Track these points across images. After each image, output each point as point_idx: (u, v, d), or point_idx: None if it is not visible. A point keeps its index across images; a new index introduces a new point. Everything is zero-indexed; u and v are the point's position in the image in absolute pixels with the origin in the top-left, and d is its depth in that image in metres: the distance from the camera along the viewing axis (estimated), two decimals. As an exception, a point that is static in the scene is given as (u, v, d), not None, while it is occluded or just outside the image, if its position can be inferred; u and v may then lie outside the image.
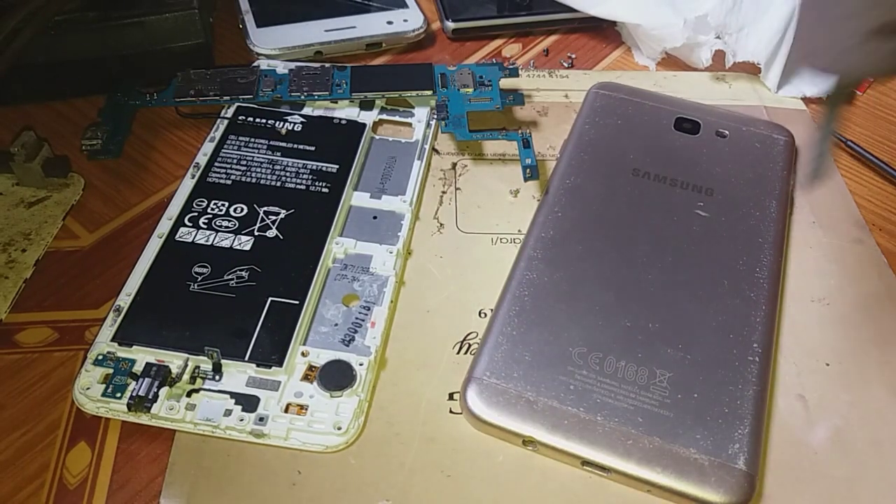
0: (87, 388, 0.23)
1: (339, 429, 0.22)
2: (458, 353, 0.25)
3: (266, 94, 0.32)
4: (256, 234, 0.27)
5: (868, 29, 0.19)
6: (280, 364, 0.23)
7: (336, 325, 0.25)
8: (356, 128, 0.31)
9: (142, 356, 0.24)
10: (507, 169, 0.31)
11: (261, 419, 0.22)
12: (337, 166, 0.30)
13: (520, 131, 0.31)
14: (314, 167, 0.29)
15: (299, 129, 0.31)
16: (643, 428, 0.22)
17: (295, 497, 0.21)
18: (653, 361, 0.23)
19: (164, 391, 0.23)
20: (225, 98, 0.31)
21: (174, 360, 0.23)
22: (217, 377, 0.23)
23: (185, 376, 0.23)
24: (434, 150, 0.32)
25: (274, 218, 0.28)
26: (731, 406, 0.23)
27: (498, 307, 0.25)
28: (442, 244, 0.28)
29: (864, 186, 0.31)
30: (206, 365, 0.23)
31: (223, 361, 0.23)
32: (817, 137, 0.21)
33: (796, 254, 0.28)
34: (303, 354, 0.24)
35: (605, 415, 0.22)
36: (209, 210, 0.28)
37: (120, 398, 0.22)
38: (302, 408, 0.23)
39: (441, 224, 0.29)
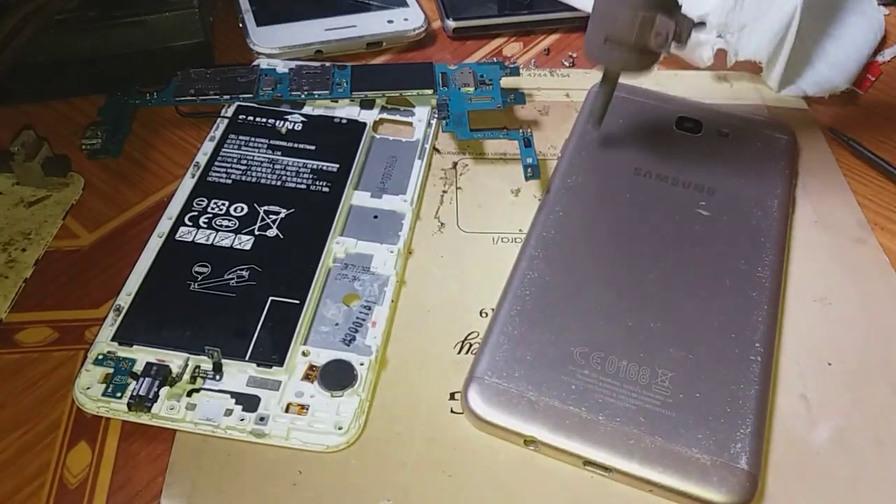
0: (88, 388, 0.23)
1: (340, 428, 0.22)
2: (459, 352, 0.25)
3: (266, 93, 0.32)
4: (257, 233, 0.27)
5: (604, 36, 0.25)
6: (281, 364, 0.23)
7: (337, 324, 0.25)
8: (357, 127, 0.31)
9: (142, 356, 0.23)
10: (509, 168, 0.31)
11: (261, 419, 0.22)
12: (337, 165, 0.30)
13: (521, 130, 0.31)
14: (315, 166, 0.29)
15: (300, 128, 0.31)
16: (645, 428, 0.22)
17: (296, 497, 0.21)
18: (655, 361, 0.23)
19: (164, 391, 0.23)
20: (225, 97, 0.31)
21: (174, 360, 0.23)
22: (217, 377, 0.23)
23: (186, 376, 0.23)
24: (435, 149, 0.32)
25: (274, 217, 0.27)
26: (732, 405, 0.22)
27: (499, 307, 0.25)
28: (443, 244, 0.28)
29: (866, 186, 0.31)
30: (206, 364, 0.23)
31: (224, 361, 0.23)
32: (597, 94, 0.27)
33: (798, 253, 0.28)
34: (303, 354, 0.24)
35: (607, 414, 0.22)
36: (209, 209, 0.28)
37: (120, 398, 0.22)
38: (303, 407, 0.23)
39: (442, 223, 0.29)
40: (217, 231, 0.27)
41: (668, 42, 0.24)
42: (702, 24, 0.25)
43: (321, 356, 0.24)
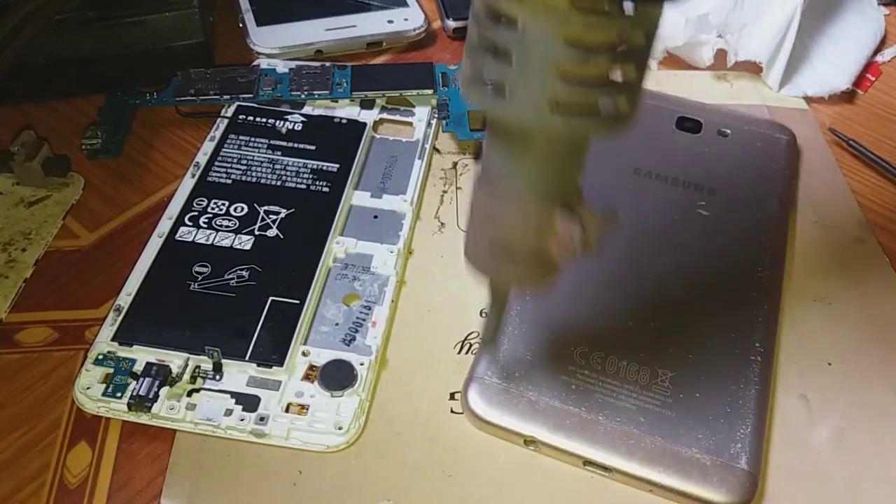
0: (88, 388, 0.23)
1: (340, 428, 0.22)
2: (460, 352, 0.25)
3: (266, 93, 0.32)
4: (257, 233, 0.27)
5: (489, 244, 0.18)
6: (281, 364, 0.23)
7: (337, 324, 0.25)
8: (357, 127, 0.31)
9: (142, 356, 0.23)
10: (508, 168, 0.31)
11: (261, 419, 0.22)
12: (337, 165, 0.30)
13: (521, 130, 0.31)
14: (315, 166, 0.29)
15: (300, 128, 0.31)
16: (645, 427, 0.22)
17: (296, 497, 0.21)
18: (655, 361, 0.23)
19: (164, 391, 0.23)
20: (225, 97, 0.31)
21: (174, 360, 0.23)
22: (217, 377, 0.23)
23: (186, 376, 0.23)
24: (435, 149, 0.32)
25: (274, 217, 0.27)
26: (733, 406, 0.22)
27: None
28: (443, 243, 0.28)
29: (866, 186, 0.31)
30: (206, 364, 0.23)
31: (224, 361, 0.23)
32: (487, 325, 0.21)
33: (798, 253, 0.28)
34: (303, 354, 0.24)
35: (607, 414, 0.22)
36: (209, 209, 0.28)
37: (120, 398, 0.22)
38: (303, 407, 0.23)
39: (442, 223, 0.29)
40: (217, 231, 0.27)
41: (573, 249, 0.17)
42: (611, 221, 0.18)
43: (321, 356, 0.24)
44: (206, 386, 0.23)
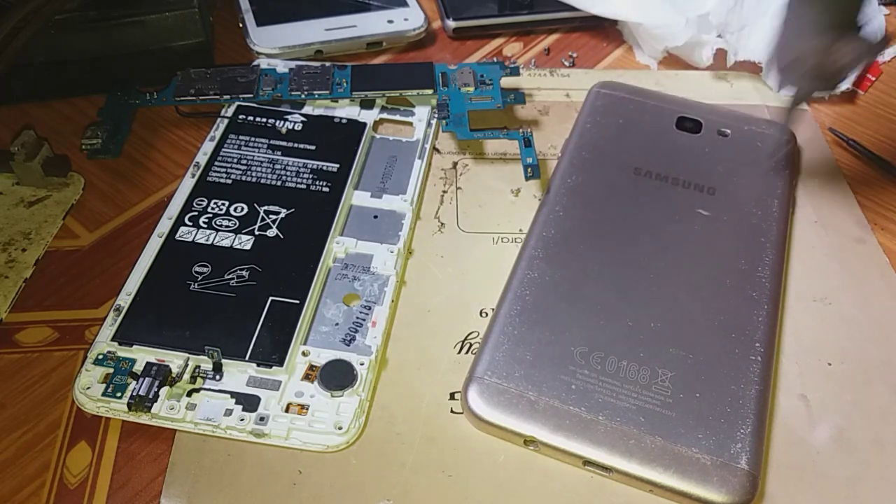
0: (88, 388, 0.23)
1: (340, 428, 0.22)
2: (460, 352, 0.25)
3: (266, 93, 0.32)
4: (257, 233, 0.27)
5: (788, 62, 0.26)
6: (281, 364, 0.23)
7: (337, 324, 0.25)
8: (357, 127, 0.31)
9: (142, 356, 0.23)
10: (509, 168, 0.31)
11: (261, 419, 0.22)
12: (337, 165, 0.30)
13: (521, 130, 0.31)
14: (315, 166, 0.29)
15: (300, 128, 0.31)
16: (645, 427, 0.22)
17: (296, 497, 0.21)
18: (655, 361, 0.23)
19: (164, 391, 0.23)
20: (225, 97, 0.31)
21: (174, 360, 0.23)
22: (217, 377, 0.23)
23: (186, 376, 0.23)
24: (435, 149, 0.32)
25: (274, 217, 0.27)
26: (733, 405, 0.22)
27: (499, 306, 0.25)
28: (443, 243, 0.28)
29: (866, 186, 0.31)
30: (206, 364, 0.23)
31: (224, 361, 0.23)
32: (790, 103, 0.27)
33: (798, 253, 0.28)
34: (303, 354, 0.24)
35: (607, 414, 0.22)
36: (209, 209, 0.28)
37: (120, 398, 0.22)
38: (303, 407, 0.23)
39: (442, 223, 0.29)
40: (217, 231, 0.27)
41: (855, 64, 0.24)
42: (887, 40, 0.25)
43: (321, 356, 0.24)
44: (206, 386, 0.23)
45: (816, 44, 0.24)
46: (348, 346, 0.24)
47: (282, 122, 0.31)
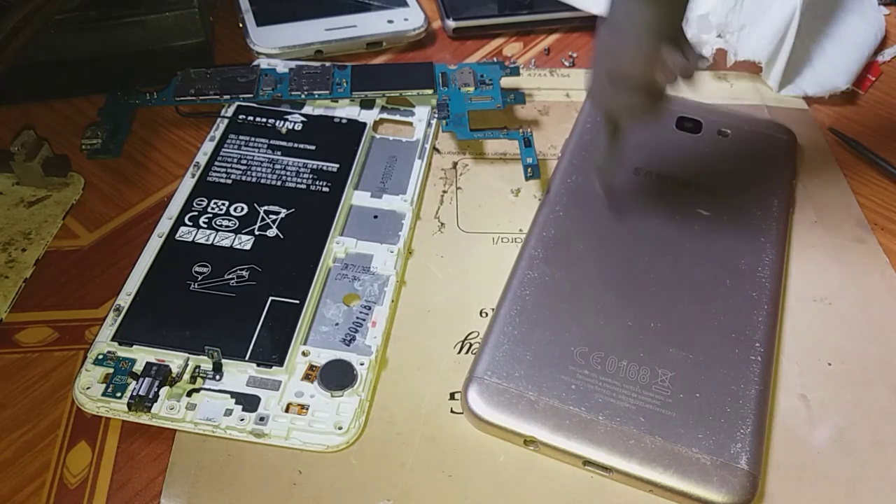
0: (88, 388, 0.23)
1: (340, 428, 0.22)
2: (460, 352, 0.25)
3: (266, 93, 0.32)
4: (257, 233, 0.27)
5: (607, 73, 0.22)
6: (281, 364, 0.23)
7: (337, 324, 0.25)
8: (357, 127, 0.31)
9: (142, 356, 0.23)
10: (509, 168, 0.31)
11: (261, 419, 0.22)
12: (337, 165, 0.30)
13: (521, 130, 0.31)
14: (315, 166, 0.29)
15: (300, 128, 0.31)
16: (645, 427, 0.22)
17: (296, 497, 0.21)
18: (655, 361, 0.23)
19: (164, 391, 0.23)
20: (225, 97, 0.31)
21: (174, 360, 0.23)
22: (217, 377, 0.23)
23: (186, 376, 0.23)
24: (435, 149, 0.32)
25: (274, 217, 0.27)
26: (733, 405, 0.22)
27: (499, 306, 0.25)
28: (443, 243, 0.28)
29: (867, 186, 0.31)
30: (206, 364, 0.23)
31: (224, 361, 0.23)
32: (602, 153, 0.25)
33: (798, 253, 0.28)
34: (303, 354, 0.24)
35: (607, 414, 0.22)
36: (209, 209, 0.28)
37: (120, 398, 0.22)
38: (303, 407, 0.23)
39: (442, 223, 0.29)
40: (217, 231, 0.27)
41: (674, 77, 0.22)
42: (703, 58, 0.23)
43: (321, 356, 0.24)
44: (205, 386, 0.23)
45: (639, 53, 0.21)
46: (348, 346, 0.24)
47: (282, 122, 0.31)
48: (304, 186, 0.29)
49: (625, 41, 0.21)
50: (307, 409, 0.23)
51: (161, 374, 0.23)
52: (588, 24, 0.38)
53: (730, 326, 0.24)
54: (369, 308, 0.25)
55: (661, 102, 0.23)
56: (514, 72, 0.33)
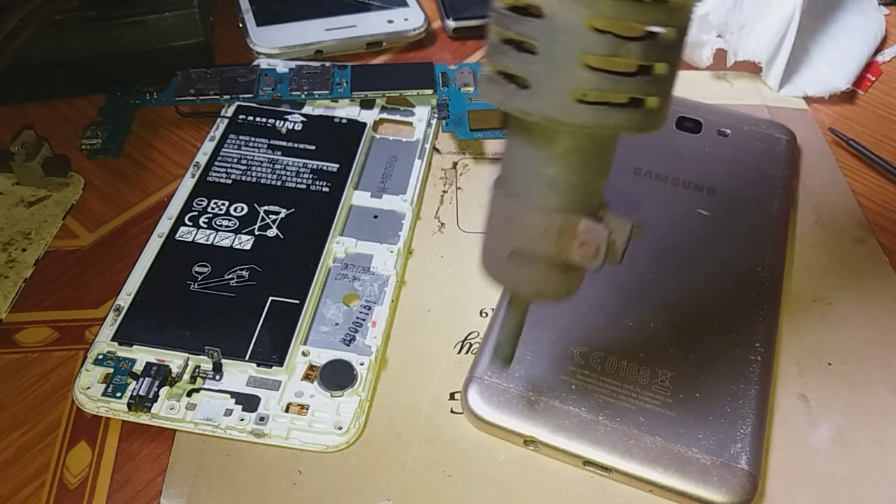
0: (88, 388, 0.23)
1: (340, 428, 0.22)
2: (460, 352, 0.25)
3: (266, 93, 0.32)
4: (257, 233, 0.27)
5: (509, 249, 0.17)
6: (280, 363, 0.23)
7: (337, 324, 0.25)
8: (357, 127, 0.31)
9: (142, 356, 0.23)
10: (508, 168, 0.31)
11: (261, 419, 0.22)
12: (337, 165, 0.30)
13: (521, 130, 0.31)
14: (315, 166, 0.29)
15: (300, 128, 0.31)
16: (645, 427, 0.22)
17: (295, 497, 0.21)
18: (655, 361, 0.23)
19: (164, 391, 0.23)
20: (225, 97, 0.31)
21: (174, 360, 0.23)
22: (217, 377, 0.23)
23: (186, 376, 0.23)
24: (435, 149, 0.32)
25: (274, 217, 0.27)
26: (733, 405, 0.22)
27: (499, 307, 0.25)
28: (443, 243, 0.28)
29: (867, 186, 0.31)
30: (206, 364, 0.23)
31: (224, 361, 0.23)
32: (502, 333, 0.20)
33: (798, 253, 0.28)
34: (303, 354, 0.24)
35: (607, 414, 0.22)
36: (209, 209, 0.28)
37: (120, 398, 0.22)
38: (303, 407, 0.23)
39: (442, 223, 0.29)
40: (217, 231, 0.27)
41: (598, 256, 0.16)
42: (637, 231, 0.17)
43: (321, 356, 0.24)
44: (205, 386, 0.23)
45: (554, 224, 0.16)
46: (348, 346, 0.24)
47: (282, 122, 0.31)
48: (304, 186, 0.29)
49: (529, 210, 0.17)
50: (307, 409, 0.23)
51: (161, 374, 0.23)
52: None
53: (730, 326, 0.24)
54: (369, 308, 0.25)
55: (579, 279, 0.18)
56: (514, 72, 0.33)
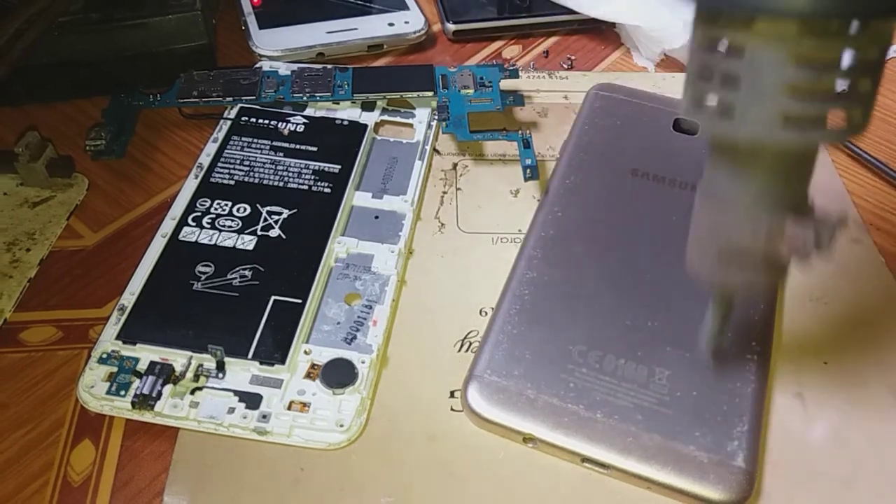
0: (92, 387, 0.23)
1: (342, 426, 0.23)
2: (459, 351, 0.25)
3: (269, 95, 0.32)
4: (259, 233, 0.27)
5: (717, 251, 0.19)
6: (283, 362, 0.23)
7: (338, 323, 0.25)
8: (358, 128, 0.32)
9: (146, 354, 0.24)
10: (508, 169, 0.31)
11: (264, 417, 0.23)
12: (339, 166, 0.30)
13: (520, 132, 0.31)
14: (316, 167, 0.30)
15: (301, 129, 0.31)
16: (643, 425, 0.22)
17: (297, 494, 0.22)
18: (652, 359, 0.24)
19: (167, 389, 0.23)
20: (228, 99, 0.32)
21: (178, 359, 0.24)
22: (220, 375, 0.23)
23: (189, 374, 0.23)
24: (435, 150, 0.32)
25: (277, 218, 0.28)
26: (729, 404, 0.23)
27: (498, 306, 0.25)
28: (443, 244, 0.28)
29: (862, 186, 0.32)
30: (209, 363, 0.24)
31: (226, 359, 0.24)
32: (711, 328, 0.22)
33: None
34: (305, 352, 0.24)
35: (605, 412, 0.22)
36: (212, 210, 0.28)
37: (124, 396, 0.23)
38: (304, 405, 0.23)
39: (442, 224, 0.29)
40: (220, 231, 0.27)
41: (804, 252, 0.18)
42: (842, 224, 0.18)
43: (323, 354, 0.24)
44: (209, 384, 0.23)
45: (761, 229, 0.18)
46: (350, 344, 0.24)
47: (284, 124, 0.31)
48: (306, 187, 0.29)
49: (738, 217, 0.18)
50: (309, 406, 0.23)
51: (164, 373, 0.23)
52: (586, 26, 0.39)
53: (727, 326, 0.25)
54: (370, 307, 0.26)
55: (785, 270, 0.19)
56: (514, 74, 0.33)
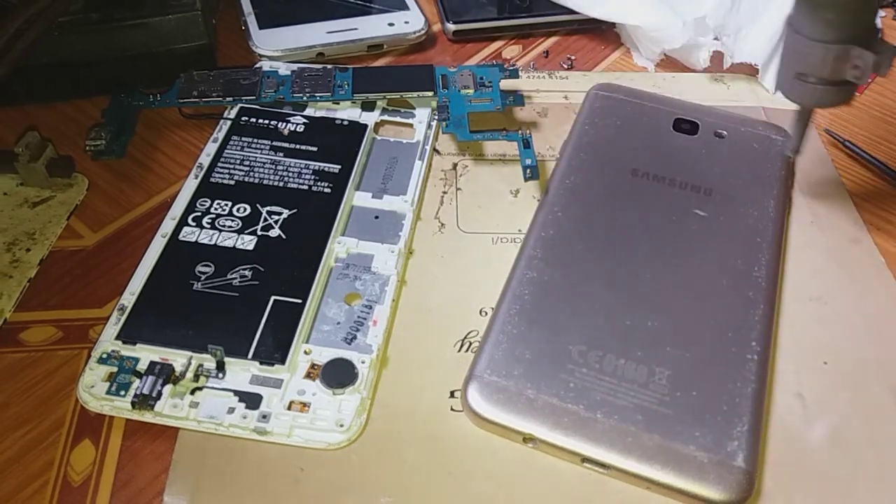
0: (92, 387, 0.23)
1: (342, 426, 0.23)
2: (459, 351, 0.25)
3: (269, 95, 0.32)
4: (259, 233, 0.27)
5: (795, 72, 0.25)
6: (283, 362, 0.23)
7: (338, 323, 0.25)
8: (358, 128, 0.32)
9: (145, 354, 0.24)
10: (508, 169, 0.31)
11: (264, 417, 0.23)
12: (339, 166, 0.30)
13: (520, 132, 0.31)
14: (316, 167, 0.30)
15: (301, 129, 0.31)
16: (643, 425, 0.22)
17: (297, 494, 0.22)
18: (652, 359, 0.24)
19: (167, 389, 0.23)
20: (228, 99, 0.32)
21: (178, 359, 0.24)
22: (220, 375, 0.23)
23: (189, 374, 0.23)
24: (435, 150, 0.32)
25: (277, 218, 0.28)
26: (729, 404, 0.23)
27: (498, 306, 0.25)
28: (443, 243, 0.28)
29: (862, 186, 0.32)
30: (209, 363, 0.24)
31: (226, 359, 0.24)
32: (794, 129, 0.28)
33: (794, 253, 0.28)
34: (305, 352, 0.24)
35: (605, 412, 0.22)
36: (212, 210, 0.28)
37: (124, 396, 0.23)
38: (304, 405, 0.23)
39: (442, 224, 0.29)
40: (220, 231, 0.27)
41: (866, 74, 0.23)
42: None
43: (323, 354, 0.24)
44: (208, 384, 0.23)
45: (831, 53, 0.23)
46: (350, 344, 0.24)
47: (284, 124, 0.31)
48: (306, 187, 0.29)
49: (811, 43, 0.23)
50: (309, 406, 0.23)
51: (164, 373, 0.23)
52: (586, 26, 0.39)
53: (727, 325, 0.25)
54: (370, 307, 0.26)
55: (851, 92, 0.25)
56: (513, 74, 0.33)
